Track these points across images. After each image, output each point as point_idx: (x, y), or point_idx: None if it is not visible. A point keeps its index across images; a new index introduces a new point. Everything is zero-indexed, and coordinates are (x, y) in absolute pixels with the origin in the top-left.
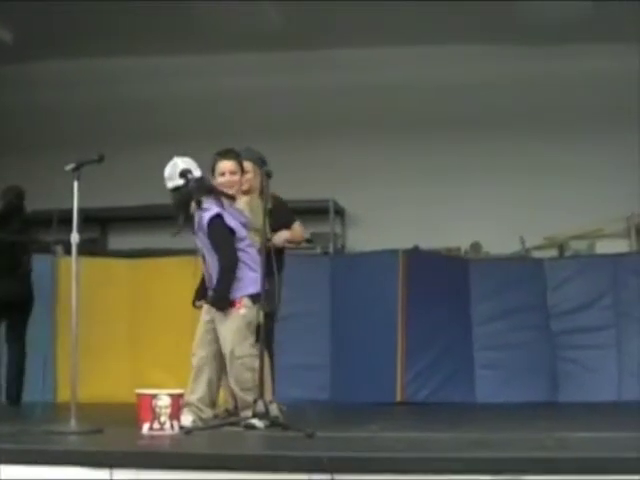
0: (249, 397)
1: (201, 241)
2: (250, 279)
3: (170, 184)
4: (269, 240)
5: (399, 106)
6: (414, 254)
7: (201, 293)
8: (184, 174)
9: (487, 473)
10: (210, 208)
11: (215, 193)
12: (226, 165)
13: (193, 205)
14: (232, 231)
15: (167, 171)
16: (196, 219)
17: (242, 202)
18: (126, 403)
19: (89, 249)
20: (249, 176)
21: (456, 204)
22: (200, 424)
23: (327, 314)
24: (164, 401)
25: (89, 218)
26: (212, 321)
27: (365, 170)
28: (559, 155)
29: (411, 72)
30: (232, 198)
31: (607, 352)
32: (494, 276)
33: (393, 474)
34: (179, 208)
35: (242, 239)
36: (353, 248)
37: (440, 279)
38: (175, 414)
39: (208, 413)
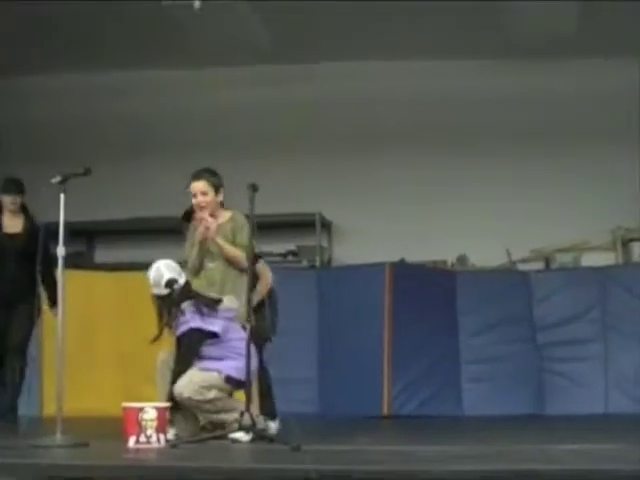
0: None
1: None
2: (230, 365)
3: (155, 290)
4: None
5: (386, 120)
6: (401, 267)
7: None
8: (170, 284)
9: None
10: (188, 320)
11: (197, 299)
12: (197, 186)
13: (166, 316)
14: (216, 335)
15: (152, 276)
16: (177, 321)
17: (225, 220)
18: (113, 417)
19: (75, 262)
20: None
21: (442, 217)
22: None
23: (314, 327)
24: (150, 414)
25: (75, 231)
26: None
27: (351, 184)
28: (544, 168)
29: (398, 86)
30: (216, 302)
31: (594, 365)
32: (480, 289)
33: None
34: (162, 312)
35: (231, 339)
36: (340, 261)
37: (427, 292)
38: (161, 427)
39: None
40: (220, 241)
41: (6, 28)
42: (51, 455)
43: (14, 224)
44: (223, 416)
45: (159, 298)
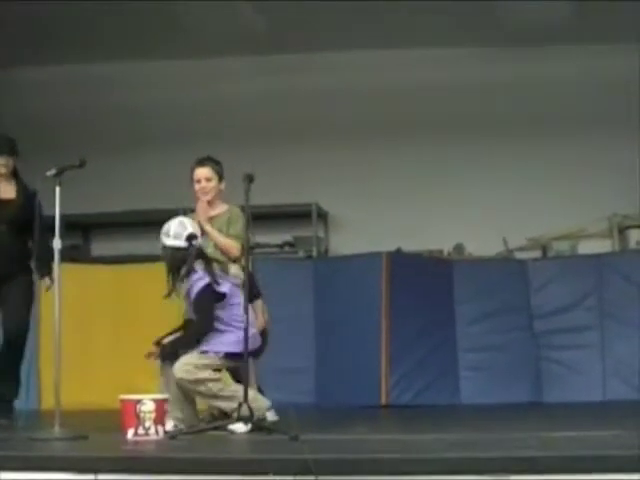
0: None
1: (187, 302)
2: (230, 341)
3: (171, 241)
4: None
5: (382, 109)
6: (397, 257)
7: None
8: (190, 238)
9: (472, 473)
10: (202, 277)
11: (209, 259)
12: (201, 172)
13: (184, 268)
14: (224, 295)
15: (172, 228)
16: (186, 283)
17: (222, 211)
18: (111, 409)
19: (72, 255)
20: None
21: (438, 206)
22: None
23: (311, 317)
24: (148, 406)
25: (71, 224)
26: None
27: (348, 174)
28: (540, 156)
29: (395, 75)
30: (223, 263)
31: (591, 352)
32: (477, 278)
33: (378, 475)
34: (172, 267)
35: (233, 304)
36: (336, 252)
37: (423, 281)
38: (160, 419)
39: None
40: (208, 228)
41: (1, 20)
42: (50, 447)
43: (6, 190)
44: (221, 403)
45: (174, 251)
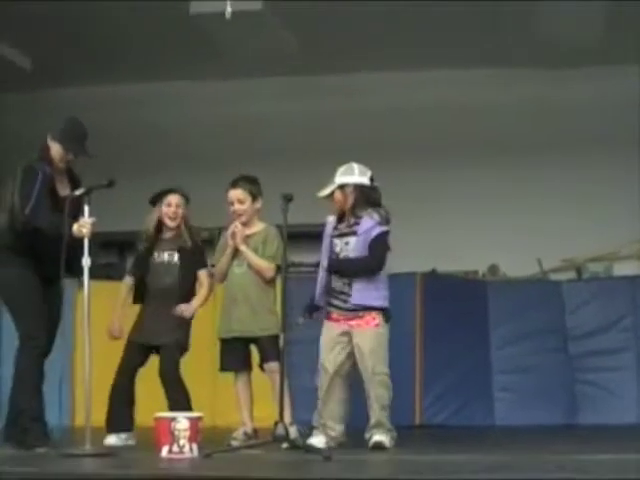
0: (384, 415)
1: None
2: (384, 296)
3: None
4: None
5: (416, 131)
6: (432, 277)
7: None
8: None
9: None
10: (381, 222)
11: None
12: (234, 194)
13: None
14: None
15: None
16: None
17: (258, 230)
18: (145, 427)
19: (107, 273)
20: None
21: (474, 227)
22: (331, 444)
23: None
24: (183, 424)
25: (108, 242)
26: (347, 334)
27: (383, 194)
28: (575, 177)
29: (425, 96)
30: None
31: (626, 374)
32: (512, 299)
33: None
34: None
35: None
36: None
37: (458, 302)
38: (194, 437)
39: (339, 430)
40: (244, 248)
41: (37, 41)
42: (81, 464)
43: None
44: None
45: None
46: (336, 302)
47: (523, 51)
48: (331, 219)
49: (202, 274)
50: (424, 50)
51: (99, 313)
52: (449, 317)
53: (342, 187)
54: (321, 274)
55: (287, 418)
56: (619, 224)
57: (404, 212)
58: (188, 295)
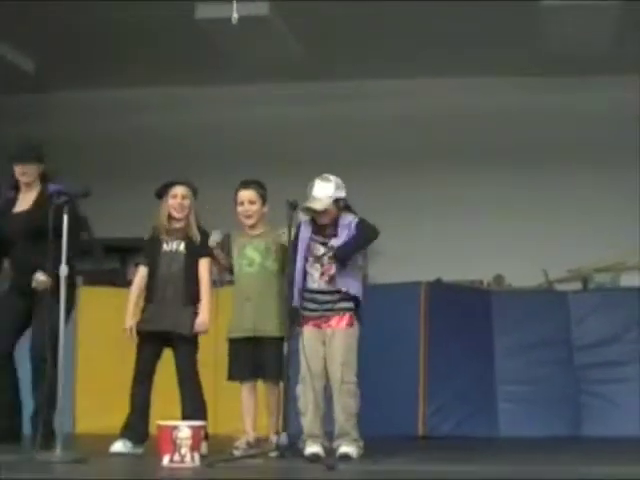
0: (351, 424)
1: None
2: (360, 287)
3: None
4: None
5: (423, 138)
6: (436, 286)
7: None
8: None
9: None
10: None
11: None
12: (245, 194)
13: None
14: None
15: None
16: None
17: (265, 231)
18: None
19: (110, 279)
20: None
21: (479, 237)
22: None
23: None
24: (185, 432)
25: (110, 248)
26: (322, 335)
27: (386, 202)
28: (582, 187)
29: (429, 103)
30: None
31: (632, 386)
32: (517, 309)
33: None
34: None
35: None
36: (375, 280)
37: (462, 312)
38: (196, 446)
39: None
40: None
41: (40, 43)
42: (82, 472)
43: (23, 200)
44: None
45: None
46: (312, 305)
47: (530, 59)
48: (305, 219)
49: (202, 263)
50: (430, 58)
51: (103, 319)
52: (453, 327)
53: (336, 201)
54: (297, 278)
55: (275, 428)
56: (626, 234)
57: (409, 221)
58: (193, 281)
